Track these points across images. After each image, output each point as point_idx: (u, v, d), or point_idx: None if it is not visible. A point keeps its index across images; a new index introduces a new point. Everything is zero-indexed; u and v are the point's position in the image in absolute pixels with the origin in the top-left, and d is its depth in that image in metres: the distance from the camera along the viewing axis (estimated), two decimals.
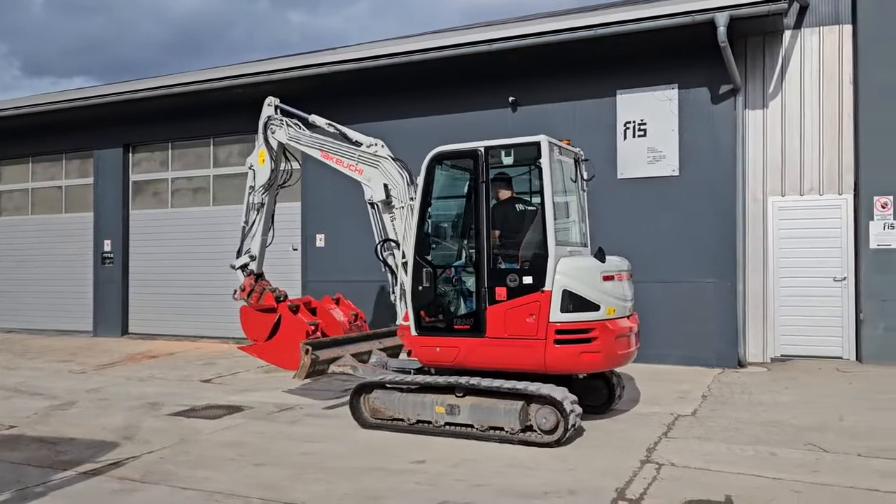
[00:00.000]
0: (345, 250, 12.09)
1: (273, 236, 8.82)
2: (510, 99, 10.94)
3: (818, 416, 6.89)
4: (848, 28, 9.91)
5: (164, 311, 14.09)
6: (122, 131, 14.35)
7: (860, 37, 9.69)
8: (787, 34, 10.14)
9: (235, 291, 8.61)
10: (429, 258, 6.77)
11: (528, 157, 6.52)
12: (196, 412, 7.59)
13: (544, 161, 6.32)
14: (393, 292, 7.43)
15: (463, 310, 6.70)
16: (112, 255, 14.51)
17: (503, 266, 6.46)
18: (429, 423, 6.42)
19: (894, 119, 9.49)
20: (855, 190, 9.79)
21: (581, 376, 6.58)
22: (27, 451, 6.06)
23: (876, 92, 9.56)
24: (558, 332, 6.13)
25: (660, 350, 9.66)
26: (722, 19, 8.96)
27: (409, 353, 7.13)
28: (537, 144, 6.39)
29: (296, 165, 8.98)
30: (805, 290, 10.03)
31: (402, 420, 6.55)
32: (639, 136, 10.29)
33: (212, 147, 13.80)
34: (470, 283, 6.64)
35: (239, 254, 8.74)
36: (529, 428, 6.05)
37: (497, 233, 6.53)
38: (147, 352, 12.31)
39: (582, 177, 7.19)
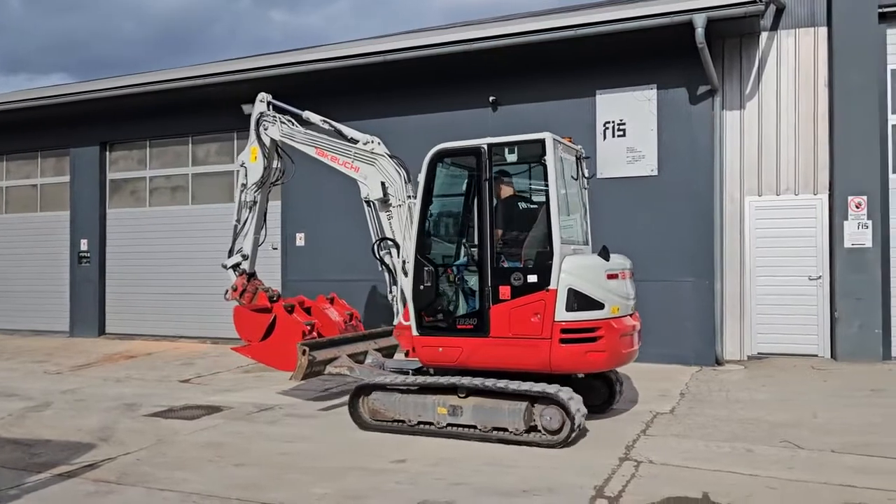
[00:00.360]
0: (325, 249, 12.07)
1: (266, 235, 8.70)
2: (490, 98, 10.96)
3: (793, 413, 6.98)
4: (823, 30, 10.04)
5: (142, 310, 13.95)
6: (99, 129, 14.19)
7: (835, 39, 9.82)
8: (764, 36, 10.26)
9: (227, 291, 8.46)
10: (430, 257, 6.70)
11: (532, 154, 6.49)
12: (174, 413, 7.52)
13: (549, 158, 6.28)
14: (391, 292, 7.34)
15: (466, 309, 6.62)
16: (89, 255, 14.35)
17: (507, 265, 6.40)
18: (430, 424, 6.31)
19: (868, 120, 9.64)
20: (830, 190, 9.92)
21: (581, 376, 6.51)
22: (1, 453, 5.97)
23: (850, 94, 9.70)
24: (564, 331, 6.08)
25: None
26: (700, 20, 9.04)
27: (406, 354, 7.03)
28: (542, 142, 6.34)
29: (287, 163, 8.76)
30: (781, 288, 10.15)
31: (402, 421, 6.43)
32: (618, 136, 10.36)
33: (190, 145, 13.69)
34: (472, 282, 6.58)
35: (231, 253, 8.59)
36: (534, 428, 5.99)
37: (500, 231, 6.47)
38: (124, 352, 12.19)
39: (583, 174, 7.14)
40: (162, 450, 6.07)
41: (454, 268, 6.81)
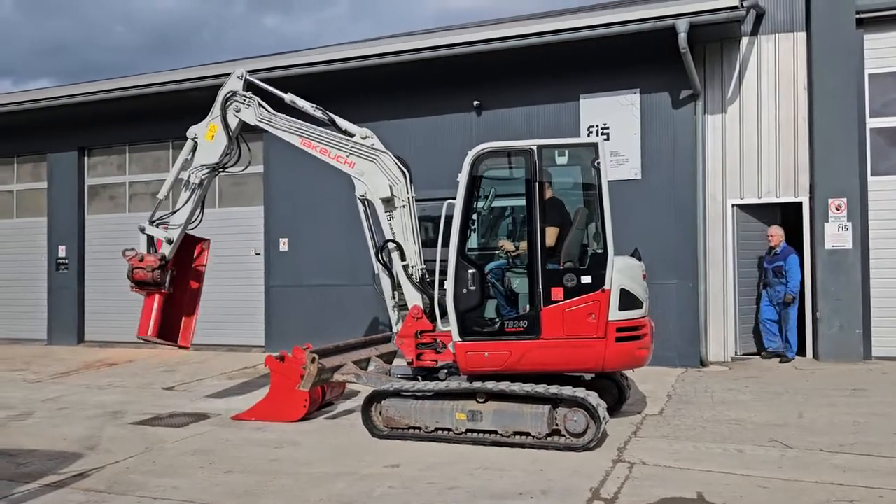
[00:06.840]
0: (308, 255, 12.00)
1: (201, 217, 7.78)
2: (475, 103, 10.97)
3: (779, 414, 7.05)
4: (802, 35, 10.18)
5: (122, 317, 13.68)
6: (78, 134, 13.97)
7: (814, 44, 9.96)
8: (745, 41, 10.38)
9: (130, 249, 7.59)
10: (474, 259, 6.64)
11: (583, 157, 6.61)
12: (160, 420, 7.44)
13: (603, 162, 6.41)
14: (393, 297, 7.16)
15: (515, 312, 6.62)
16: (67, 261, 14.14)
17: (559, 266, 6.42)
18: (448, 430, 6.23)
19: (847, 124, 9.78)
20: (810, 192, 10.05)
21: (589, 377, 6.57)
22: None
23: (829, 97, 9.83)
24: (619, 329, 6.26)
25: None
26: (682, 26, 9.13)
27: (409, 363, 6.96)
28: (595, 145, 6.48)
29: (245, 151, 8.05)
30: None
31: (418, 428, 6.32)
32: (602, 139, 10.40)
33: (171, 150, 13.53)
34: (518, 283, 6.59)
35: (151, 220, 7.72)
36: (556, 432, 5.99)
37: (551, 233, 6.49)
38: (105, 359, 12.02)
39: None
40: (151, 458, 6.00)
41: (499, 270, 6.80)
